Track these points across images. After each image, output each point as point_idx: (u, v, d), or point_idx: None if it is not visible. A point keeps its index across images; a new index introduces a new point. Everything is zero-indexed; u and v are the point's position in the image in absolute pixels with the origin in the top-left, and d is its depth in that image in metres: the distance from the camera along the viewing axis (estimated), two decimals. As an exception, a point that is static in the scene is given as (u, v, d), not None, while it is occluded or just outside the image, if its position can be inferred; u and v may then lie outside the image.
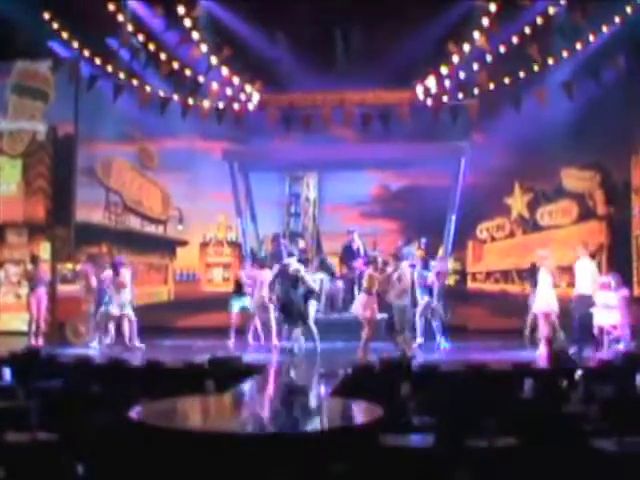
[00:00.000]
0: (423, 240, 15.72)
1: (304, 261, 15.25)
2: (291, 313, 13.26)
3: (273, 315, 14.23)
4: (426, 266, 14.29)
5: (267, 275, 14.66)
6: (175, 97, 16.63)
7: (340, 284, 15.85)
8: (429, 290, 14.15)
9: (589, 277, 13.19)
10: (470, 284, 17.57)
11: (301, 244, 17.16)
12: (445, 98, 16.22)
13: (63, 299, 15.77)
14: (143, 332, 14.52)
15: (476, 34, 15.48)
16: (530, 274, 14.06)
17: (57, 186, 17.75)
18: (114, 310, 14.09)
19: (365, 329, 12.70)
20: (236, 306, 14.73)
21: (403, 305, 12.71)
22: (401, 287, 12.64)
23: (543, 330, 12.84)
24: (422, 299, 14.05)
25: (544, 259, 13.12)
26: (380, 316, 13.08)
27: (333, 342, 13.31)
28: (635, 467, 5.99)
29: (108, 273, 14.39)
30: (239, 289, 14.92)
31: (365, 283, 12.92)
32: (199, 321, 16.79)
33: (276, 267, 14.60)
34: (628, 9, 14.90)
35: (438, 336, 14.05)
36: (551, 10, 15.11)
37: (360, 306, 12.79)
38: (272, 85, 16.67)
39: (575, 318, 12.96)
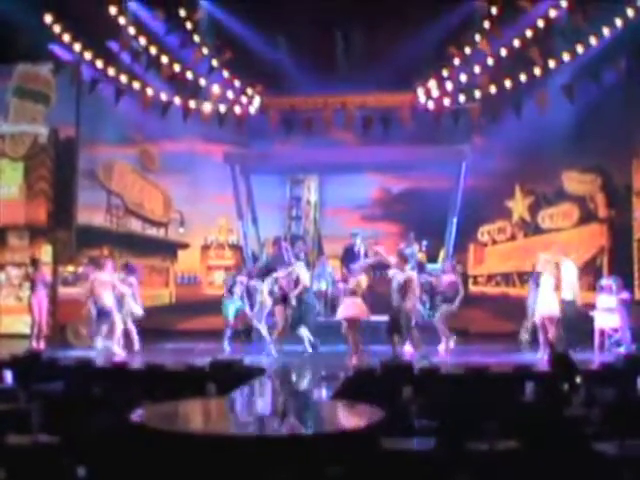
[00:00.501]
0: (424, 243, 15.75)
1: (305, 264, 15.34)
2: (307, 317, 13.43)
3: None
4: (421, 269, 14.34)
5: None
6: (176, 100, 16.62)
7: (341, 286, 15.83)
8: (444, 296, 14.14)
9: (568, 282, 13.25)
10: (471, 287, 17.55)
11: (302, 247, 17.16)
12: (446, 101, 16.20)
13: (64, 302, 15.78)
14: (144, 335, 14.52)
15: (477, 37, 15.52)
16: (534, 277, 14.05)
17: (58, 189, 17.76)
18: (137, 310, 14.10)
19: (351, 333, 12.78)
20: (232, 310, 14.67)
21: (410, 308, 12.75)
22: (408, 291, 12.64)
23: (545, 334, 12.88)
24: (441, 305, 14.05)
25: (548, 263, 13.14)
26: (378, 318, 13.12)
27: (335, 345, 13.30)
28: (636, 470, 5.99)
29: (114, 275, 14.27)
30: (230, 292, 14.86)
31: (352, 286, 12.97)
32: (200, 324, 16.77)
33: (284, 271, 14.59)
34: (629, 12, 14.92)
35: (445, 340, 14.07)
36: (552, 13, 15.14)
37: (353, 308, 12.81)
38: (273, 88, 16.68)
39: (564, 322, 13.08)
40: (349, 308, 12.82)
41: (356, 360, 12.35)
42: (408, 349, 13.10)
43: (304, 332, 13.49)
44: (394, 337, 12.60)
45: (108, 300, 13.71)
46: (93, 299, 13.75)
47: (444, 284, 14.20)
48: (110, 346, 13.60)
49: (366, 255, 15.74)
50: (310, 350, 13.47)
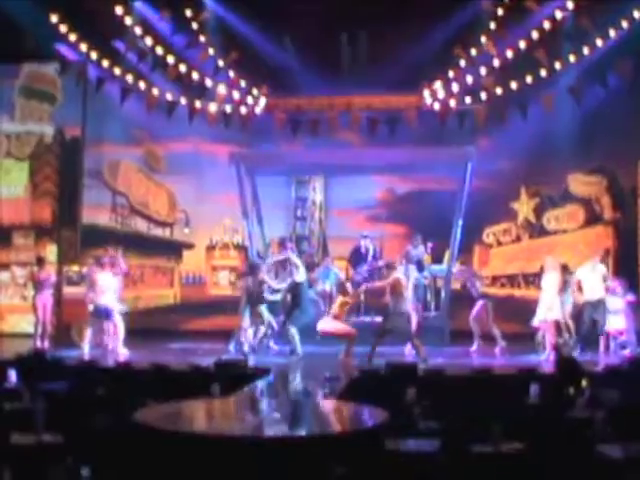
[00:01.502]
0: (429, 244, 15.74)
1: (311, 265, 15.36)
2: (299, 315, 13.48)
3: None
4: (420, 269, 14.45)
5: None
6: (182, 100, 16.62)
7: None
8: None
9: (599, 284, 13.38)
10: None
11: (307, 248, 17.18)
12: (452, 102, 16.18)
13: (69, 301, 15.80)
14: (149, 335, 14.50)
15: (483, 38, 15.49)
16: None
17: (64, 188, 17.83)
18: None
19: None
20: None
21: (408, 311, 12.79)
22: (396, 292, 12.66)
23: (550, 336, 12.90)
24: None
25: (554, 268, 13.11)
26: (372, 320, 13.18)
27: (339, 346, 13.29)
28: (641, 473, 5.98)
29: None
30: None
31: (336, 308, 13.00)
32: (205, 324, 16.81)
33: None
34: (635, 13, 14.89)
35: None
36: (558, 14, 15.11)
37: (328, 328, 12.93)
38: (279, 89, 16.67)
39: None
40: (325, 323, 12.99)
41: (342, 357, 12.46)
42: (408, 350, 13.15)
43: (293, 331, 13.45)
44: (377, 340, 12.57)
45: (109, 300, 13.74)
46: (95, 298, 13.76)
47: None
48: (115, 346, 13.63)
49: (374, 257, 15.76)
50: (298, 352, 13.38)
